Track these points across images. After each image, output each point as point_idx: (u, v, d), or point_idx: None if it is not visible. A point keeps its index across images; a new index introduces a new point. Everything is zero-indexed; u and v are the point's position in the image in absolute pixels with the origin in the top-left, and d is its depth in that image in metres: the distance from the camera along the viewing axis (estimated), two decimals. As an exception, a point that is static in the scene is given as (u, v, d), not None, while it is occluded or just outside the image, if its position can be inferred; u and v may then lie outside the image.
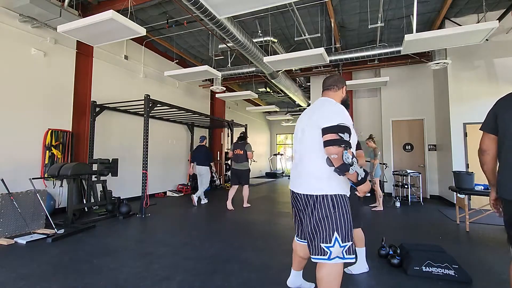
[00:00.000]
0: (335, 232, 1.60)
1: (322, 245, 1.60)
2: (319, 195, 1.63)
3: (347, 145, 1.53)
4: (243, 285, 2.24)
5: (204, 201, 6.26)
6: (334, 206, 1.62)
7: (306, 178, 1.70)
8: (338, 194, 1.64)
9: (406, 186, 6.24)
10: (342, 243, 1.59)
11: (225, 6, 3.25)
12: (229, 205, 5.55)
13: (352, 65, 7.69)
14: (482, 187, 4.05)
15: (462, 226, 4.21)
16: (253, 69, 7.07)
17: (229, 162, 9.72)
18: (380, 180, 7.12)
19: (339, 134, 1.54)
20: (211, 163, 6.28)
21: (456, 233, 3.90)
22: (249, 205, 5.87)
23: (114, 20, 3.32)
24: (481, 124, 1.74)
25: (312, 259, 1.66)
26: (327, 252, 1.59)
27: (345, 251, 1.60)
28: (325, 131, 1.57)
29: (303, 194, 1.70)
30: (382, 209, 5.47)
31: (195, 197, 5.98)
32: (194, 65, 8.17)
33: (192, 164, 6.20)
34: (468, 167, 5.63)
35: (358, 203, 2.56)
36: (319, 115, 1.69)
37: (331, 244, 1.59)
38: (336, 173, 1.60)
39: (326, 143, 1.55)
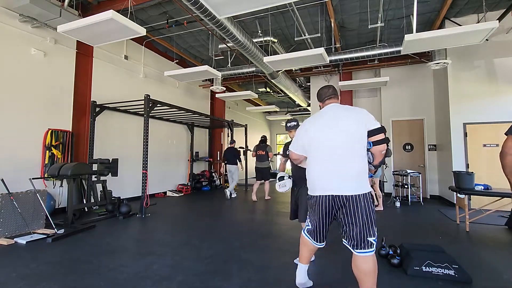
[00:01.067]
0: (375, 225, 1.80)
1: (370, 239, 1.75)
2: (364, 194, 1.80)
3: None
4: (243, 285, 2.25)
5: (234, 195, 7.21)
6: (372, 201, 1.84)
7: (353, 179, 1.80)
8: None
9: (406, 186, 6.23)
10: (377, 234, 1.82)
11: (225, 6, 3.25)
12: (254, 197, 6.62)
13: (352, 65, 7.69)
14: (482, 187, 4.05)
15: (462, 226, 4.21)
16: (253, 69, 7.07)
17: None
18: (380, 180, 7.13)
19: (385, 134, 1.84)
20: (240, 162, 7.33)
21: (456, 233, 3.90)
22: (269, 197, 6.86)
23: (114, 20, 3.32)
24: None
25: (357, 253, 1.78)
26: (373, 244, 1.76)
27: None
28: (377, 131, 1.83)
29: (349, 196, 1.78)
30: (382, 209, 5.48)
31: (227, 191, 6.99)
32: (194, 65, 8.16)
33: (223, 163, 7.42)
34: (468, 167, 5.63)
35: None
36: (364, 117, 1.86)
37: (375, 237, 1.77)
38: (374, 166, 1.86)
39: (381, 141, 1.83)
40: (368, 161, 1.87)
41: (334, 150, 1.84)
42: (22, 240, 3.30)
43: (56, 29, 4.42)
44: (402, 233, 3.88)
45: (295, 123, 3.00)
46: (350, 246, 1.81)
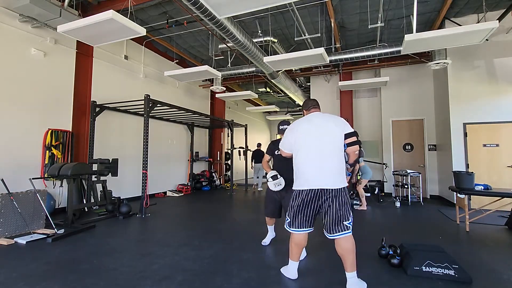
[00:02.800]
0: (350, 211, 2.18)
1: (345, 223, 2.13)
2: (343, 187, 2.18)
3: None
4: (243, 285, 2.25)
5: (260, 189, 8.56)
6: (348, 194, 2.23)
7: (335, 175, 2.16)
8: None
9: (406, 186, 6.23)
10: (352, 218, 2.20)
11: (225, 6, 3.25)
12: None
13: (352, 65, 7.69)
14: (482, 187, 4.04)
15: (462, 226, 4.21)
16: (253, 69, 7.07)
17: (229, 162, 9.90)
18: (379, 180, 7.13)
19: (357, 137, 2.25)
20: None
21: (456, 233, 3.89)
22: None
23: (114, 20, 3.32)
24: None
25: (336, 237, 2.13)
26: (348, 227, 2.14)
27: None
28: (351, 135, 2.23)
29: (332, 189, 2.14)
30: (365, 208, 5.54)
31: (258, 184, 8.73)
32: (194, 65, 8.16)
33: (252, 162, 8.74)
34: (468, 167, 5.62)
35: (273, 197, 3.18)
36: (341, 123, 2.26)
37: (350, 221, 2.15)
38: (349, 165, 2.30)
39: (354, 143, 2.23)
40: (345, 160, 2.26)
41: (320, 150, 2.19)
42: (22, 240, 3.30)
43: (56, 29, 4.42)
44: (402, 233, 3.88)
45: (287, 127, 3.10)
46: (329, 233, 2.15)
